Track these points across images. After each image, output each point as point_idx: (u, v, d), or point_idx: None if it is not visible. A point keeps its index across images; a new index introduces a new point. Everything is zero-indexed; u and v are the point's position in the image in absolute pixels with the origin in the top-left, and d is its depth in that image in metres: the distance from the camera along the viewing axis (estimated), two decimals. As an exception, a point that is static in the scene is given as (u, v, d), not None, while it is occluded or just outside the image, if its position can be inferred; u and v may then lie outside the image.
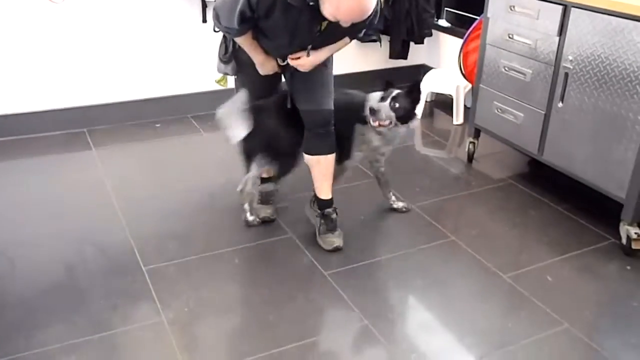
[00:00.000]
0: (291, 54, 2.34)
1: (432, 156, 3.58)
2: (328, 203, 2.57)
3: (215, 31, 2.38)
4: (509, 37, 2.99)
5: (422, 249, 2.58)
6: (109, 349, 2.01)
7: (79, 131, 3.63)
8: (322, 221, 2.56)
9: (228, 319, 2.17)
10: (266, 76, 2.46)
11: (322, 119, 2.45)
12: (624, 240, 2.56)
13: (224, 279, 2.37)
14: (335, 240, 2.53)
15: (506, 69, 3.04)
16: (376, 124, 2.52)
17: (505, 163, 3.42)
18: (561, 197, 2.99)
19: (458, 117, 3.98)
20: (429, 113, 4.11)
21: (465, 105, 3.96)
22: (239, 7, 2.12)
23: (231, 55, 2.46)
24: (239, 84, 2.57)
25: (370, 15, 2.15)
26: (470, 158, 3.41)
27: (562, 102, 2.75)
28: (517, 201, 3.01)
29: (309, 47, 2.30)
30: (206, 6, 3.71)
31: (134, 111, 3.77)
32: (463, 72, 3.80)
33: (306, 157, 2.52)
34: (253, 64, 2.41)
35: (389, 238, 2.68)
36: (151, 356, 2.01)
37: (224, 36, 2.45)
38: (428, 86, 4.05)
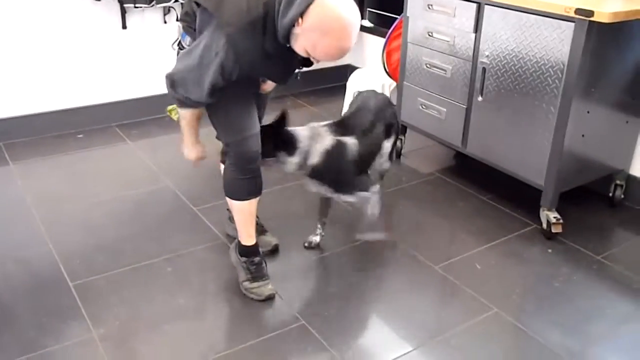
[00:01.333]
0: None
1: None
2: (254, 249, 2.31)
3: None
4: (429, 35, 3.08)
5: (356, 245, 2.61)
6: (37, 370, 1.93)
7: (-5, 145, 3.46)
8: (249, 269, 2.28)
9: (163, 331, 2.11)
10: (243, 101, 2.13)
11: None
12: (544, 225, 2.69)
13: (157, 290, 2.32)
14: (265, 289, 2.26)
15: (428, 65, 3.13)
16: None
17: (432, 157, 3.52)
18: (486, 188, 3.11)
19: (385, 115, 4.05)
20: (356, 112, 4.17)
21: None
22: (209, 80, 1.91)
23: None
24: (211, 115, 2.17)
25: None
26: (399, 154, 3.49)
27: (482, 96, 2.85)
28: (444, 194, 3.11)
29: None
30: (125, 12, 3.62)
31: (55, 122, 3.62)
32: (387, 70, 3.88)
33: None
34: (225, 89, 2.01)
35: (324, 237, 2.70)
36: (83, 374, 1.94)
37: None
38: (354, 86, 4.11)
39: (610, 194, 2.96)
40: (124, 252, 2.52)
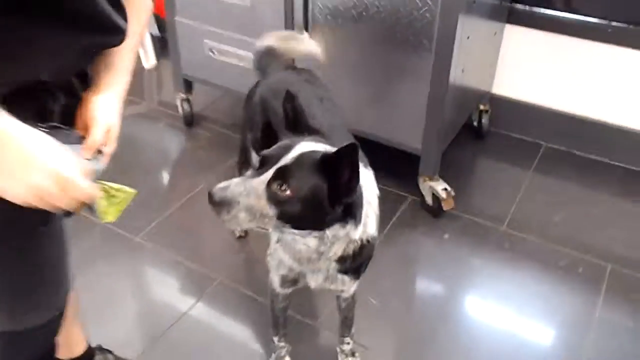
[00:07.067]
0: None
1: (138, 134, 2.44)
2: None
3: None
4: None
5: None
6: None
7: None
8: None
9: None
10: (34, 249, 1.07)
11: None
12: (429, 200, 1.95)
13: None
14: None
15: (211, -10, 2.02)
16: None
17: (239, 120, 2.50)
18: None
19: (148, 59, 2.86)
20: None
21: (159, 37, 2.89)
22: None
23: None
24: None
25: None
26: (189, 122, 2.42)
27: (308, 31, 1.89)
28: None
29: None
30: None
31: None
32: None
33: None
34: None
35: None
36: None
37: None
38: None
39: (476, 124, 2.32)
40: None
